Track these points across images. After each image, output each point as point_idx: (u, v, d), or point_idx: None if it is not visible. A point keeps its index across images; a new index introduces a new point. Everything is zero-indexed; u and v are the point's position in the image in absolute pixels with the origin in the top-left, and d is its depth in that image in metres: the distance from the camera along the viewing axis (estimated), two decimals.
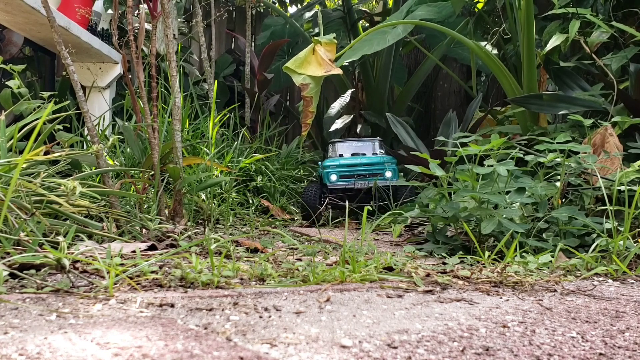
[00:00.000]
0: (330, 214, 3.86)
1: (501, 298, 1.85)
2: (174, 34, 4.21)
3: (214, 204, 3.26)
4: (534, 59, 3.82)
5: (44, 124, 2.56)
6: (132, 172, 3.04)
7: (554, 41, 3.84)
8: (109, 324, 1.29)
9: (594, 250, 2.37)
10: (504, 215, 2.51)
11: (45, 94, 3.04)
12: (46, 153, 2.40)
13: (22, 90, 2.83)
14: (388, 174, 3.79)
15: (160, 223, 2.65)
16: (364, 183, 3.75)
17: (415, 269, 2.21)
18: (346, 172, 3.81)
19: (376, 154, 4.23)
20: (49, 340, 1.14)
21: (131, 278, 1.70)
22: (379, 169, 3.80)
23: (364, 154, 4.18)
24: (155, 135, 2.70)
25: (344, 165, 3.83)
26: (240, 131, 4.46)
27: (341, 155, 4.22)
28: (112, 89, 4.32)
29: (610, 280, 2.22)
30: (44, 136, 2.58)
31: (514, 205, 2.66)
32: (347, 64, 6.16)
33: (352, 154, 4.19)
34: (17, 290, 1.61)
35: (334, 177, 3.77)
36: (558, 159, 2.83)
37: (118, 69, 4.22)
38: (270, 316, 1.48)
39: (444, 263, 2.35)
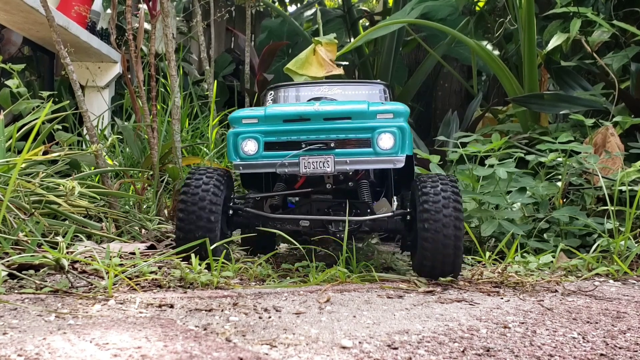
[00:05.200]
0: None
1: (502, 299, 1.84)
2: (173, 34, 4.21)
3: None
4: (535, 58, 3.81)
5: (43, 123, 2.55)
6: (131, 172, 3.03)
7: (555, 40, 3.84)
8: (108, 325, 1.29)
9: (595, 250, 2.37)
10: (505, 217, 2.51)
11: (44, 94, 3.03)
12: (45, 153, 2.39)
13: (21, 89, 2.82)
14: (384, 141, 1.88)
15: (159, 223, 2.64)
16: (324, 161, 1.87)
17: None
18: (281, 133, 1.91)
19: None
20: (48, 341, 1.14)
21: (130, 278, 1.70)
22: (361, 128, 1.89)
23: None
24: (154, 135, 2.69)
25: (275, 118, 1.93)
26: None
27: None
28: (111, 89, 4.31)
29: (611, 281, 2.21)
30: (43, 136, 2.57)
31: (514, 205, 2.65)
32: (347, 63, 6.15)
33: (311, 101, 2.25)
34: (16, 291, 1.60)
35: (250, 146, 1.91)
36: (559, 159, 2.83)
37: (117, 69, 4.22)
38: (270, 317, 1.46)
39: None
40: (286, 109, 2.01)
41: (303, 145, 1.90)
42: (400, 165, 1.91)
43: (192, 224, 1.87)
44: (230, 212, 2.05)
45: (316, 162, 1.89)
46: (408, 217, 2.02)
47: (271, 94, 2.49)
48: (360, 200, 2.06)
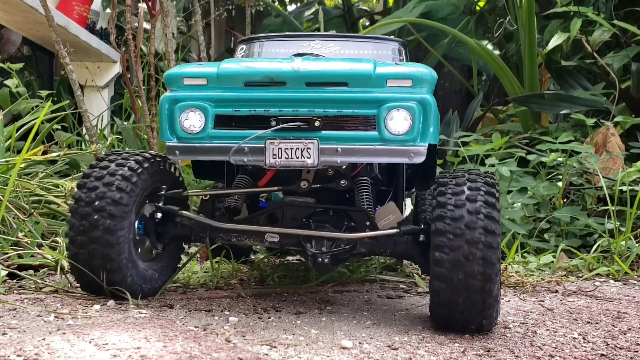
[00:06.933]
0: None
1: (502, 299, 1.84)
2: (173, 33, 4.21)
3: None
4: (535, 58, 3.82)
5: (42, 123, 2.55)
6: None
7: (556, 40, 3.84)
8: (107, 325, 1.28)
9: (595, 250, 2.38)
10: (506, 216, 2.51)
11: (44, 93, 3.03)
12: (44, 153, 2.39)
13: (20, 89, 2.82)
14: (396, 122, 1.34)
15: None
16: (303, 148, 1.34)
17: (417, 270, 2.20)
18: (241, 102, 1.38)
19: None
20: (47, 342, 1.13)
21: None
22: (363, 100, 1.37)
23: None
24: (153, 135, 2.69)
25: (233, 78, 1.39)
26: None
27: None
28: (111, 88, 4.30)
29: (612, 281, 2.21)
30: (42, 136, 2.57)
31: (515, 205, 2.65)
32: None
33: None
34: (16, 291, 1.60)
35: (193, 120, 1.38)
36: (560, 159, 2.83)
37: (117, 68, 4.21)
38: (269, 317, 1.46)
39: None
40: (250, 66, 1.44)
41: (273, 123, 1.34)
42: (420, 159, 1.34)
43: (82, 247, 1.37)
44: (159, 216, 1.49)
45: (292, 148, 1.33)
46: (422, 237, 1.41)
47: (242, 49, 1.81)
48: (357, 207, 1.47)
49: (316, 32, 1.95)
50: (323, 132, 1.34)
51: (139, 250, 1.52)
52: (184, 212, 1.50)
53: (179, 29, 5.19)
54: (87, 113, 2.52)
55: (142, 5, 2.78)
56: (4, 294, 1.52)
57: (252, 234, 1.46)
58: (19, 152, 2.51)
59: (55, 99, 3.49)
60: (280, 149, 1.33)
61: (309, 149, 1.33)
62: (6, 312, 1.36)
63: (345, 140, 1.35)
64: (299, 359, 1.15)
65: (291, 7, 7.34)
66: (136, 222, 1.46)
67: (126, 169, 1.40)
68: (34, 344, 1.12)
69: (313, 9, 6.61)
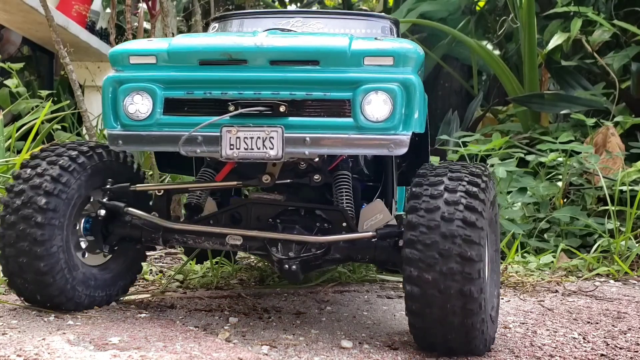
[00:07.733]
0: None
1: (502, 299, 1.84)
2: (173, 33, 4.21)
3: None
4: (535, 58, 3.82)
5: (42, 123, 2.55)
6: None
7: (556, 40, 3.84)
8: (107, 325, 1.28)
9: (595, 250, 2.38)
10: (506, 216, 2.51)
11: (44, 93, 3.03)
12: None
13: (21, 89, 2.82)
14: (374, 107, 1.17)
15: None
16: (265, 137, 1.17)
17: None
18: (195, 84, 1.23)
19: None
20: (47, 342, 1.13)
21: None
22: (335, 81, 1.20)
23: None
24: None
25: (185, 56, 1.25)
26: None
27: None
28: None
29: (612, 281, 2.22)
30: (42, 136, 2.57)
31: (515, 205, 2.66)
32: None
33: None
34: None
35: (139, 105, 1.22)
36: (560, 159, 2.84)
37: None
38: (269, 317, 1.47)
39: None
40: (205, 41, 1.28)
41: (231, 108, 1.18)
42: (401, 150, 1.16)
43: (13, 259, 1.26)
44: (102, 213, 1.34)
45: (252, 138, 1.15)
46: (401, 242, 1.19)
47: (214, 27, 1.63)
48: (334, 206, 1.33)
49: (298, 9, 1.73)
50: (289, 118, 1.18)
51: (89, 253, 1.38)
52: (130, 209, 1.32)
53: (179, 29, 5.20)
54: (87, 113, 2.52)
55: (142, 5, 2.79)
56: (4, 294, 1.52)
57: (211, 236, 1.30)
58: (19, 152, 2.51)
59: (55, 99, 3.49)
60: (239, 138, 1.16)
61: (272, 138, 1.16)
62: (6, 312, 1.36)
63: (314, 128, 1.18)
64: (298, 359, 1.16)
65: (291, 8, 7.35)
66: (81, 222, 1.34)
67: (57, 167, 1.26)
68: (34, 344, 1.12)
69: (313, 9, 6.63)
